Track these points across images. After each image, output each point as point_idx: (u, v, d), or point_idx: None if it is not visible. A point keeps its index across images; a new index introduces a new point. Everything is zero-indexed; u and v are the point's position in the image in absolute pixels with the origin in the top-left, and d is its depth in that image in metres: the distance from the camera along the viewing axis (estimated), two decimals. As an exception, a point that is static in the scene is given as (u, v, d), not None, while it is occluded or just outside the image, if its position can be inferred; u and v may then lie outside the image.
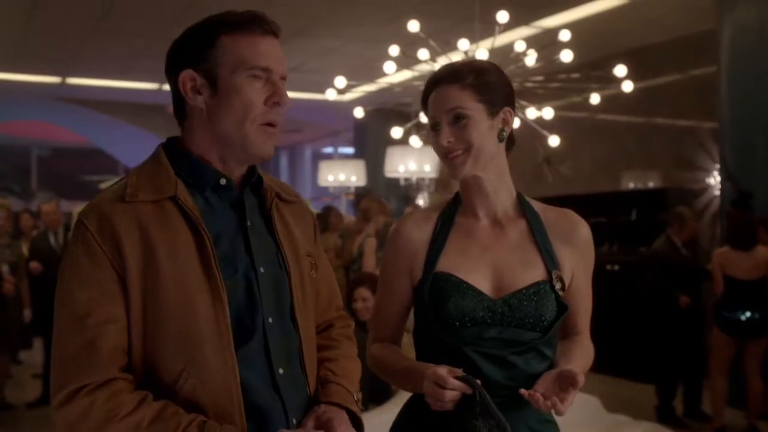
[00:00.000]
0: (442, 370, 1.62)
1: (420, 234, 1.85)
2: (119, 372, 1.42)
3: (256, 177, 1.60)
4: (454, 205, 1.89)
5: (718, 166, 7.55)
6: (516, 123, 2.02)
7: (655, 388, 6.42)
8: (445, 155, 1.79)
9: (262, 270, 1.53)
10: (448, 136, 1.76)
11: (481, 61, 1.87)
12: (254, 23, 1.51)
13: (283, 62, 1.55)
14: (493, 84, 1.78)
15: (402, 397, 3.27)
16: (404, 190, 10.83)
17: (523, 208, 1.87)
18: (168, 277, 1.43)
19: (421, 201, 10.96)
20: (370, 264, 6.36)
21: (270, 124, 1.52)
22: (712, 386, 5.83)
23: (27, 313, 6.88)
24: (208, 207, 1.53)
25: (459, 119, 1.75)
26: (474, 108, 1.75)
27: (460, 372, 1.63)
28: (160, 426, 1.37)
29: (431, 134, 1.82)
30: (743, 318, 5.57)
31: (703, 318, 6.26)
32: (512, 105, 1.83)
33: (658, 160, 8.80)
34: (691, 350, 6.23)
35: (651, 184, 8.86)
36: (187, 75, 1.52)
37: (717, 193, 7.78)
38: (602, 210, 8.13)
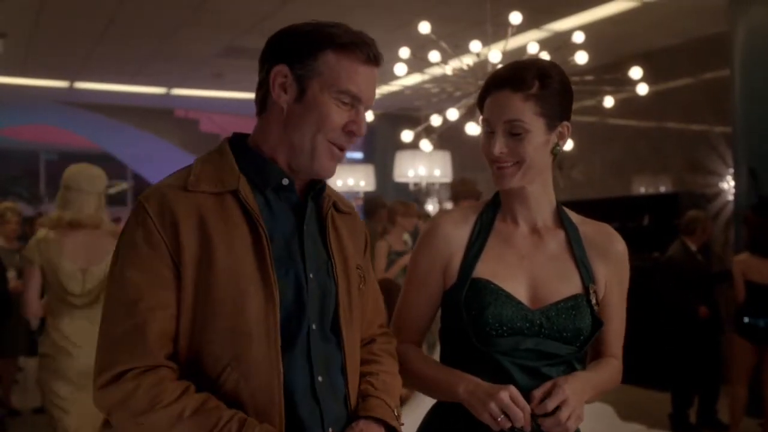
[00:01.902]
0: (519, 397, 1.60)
1: (457, 234, 1.80)
2: (165, 359, 1.43)
3: (322, 184, 1.60)
4: (493, 208, 1.84)
5: (731, 170, 7.47)
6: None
7: (670, 395, 6.34)
8: (492, 163, 1.74)
9: (311, 276, 1.53)
10: (502, 147, 1.71)
11: (545, 64, 1.76)
12: (362, 48, 1.52)
13: (373, 93, 1.56)
14: (556, 95, 1.71)
15: (412, 405, 3.21)
16: (413, 195, 10.76)
17: (561, 219, 1.83)
18: (222, 270, 1.43)
19: (430, 206, 10.89)
20: (380, 268, 6.24)
21: (339, 147, 1.53)
22: (732, 394, 5.75)
23: (35, 320, 6.84)
24: (267, 206, 1.53)
25: (516, 131, 1.69)
26: (533, 122, 1.69)
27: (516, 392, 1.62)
28: (201, 418, 1.36)
29: (481, 136, 1.76)
30: (763, 324, 5.49)
31: (719, 325, 6.17)
32: (569, 117, 1.78)
33: (671, 164, 8.73)
34: (708, 358, 6.14)
35: (663, 189, 8.79)
36: (281, 70, 1.52)
37: (730, 197, 7.69)
38: (614, 215, 8.03)
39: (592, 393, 1.71)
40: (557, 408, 1.59)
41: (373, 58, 1.53)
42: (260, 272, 1.45)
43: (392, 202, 6.90)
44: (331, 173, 1.56)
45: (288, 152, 1.54)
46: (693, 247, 6.19)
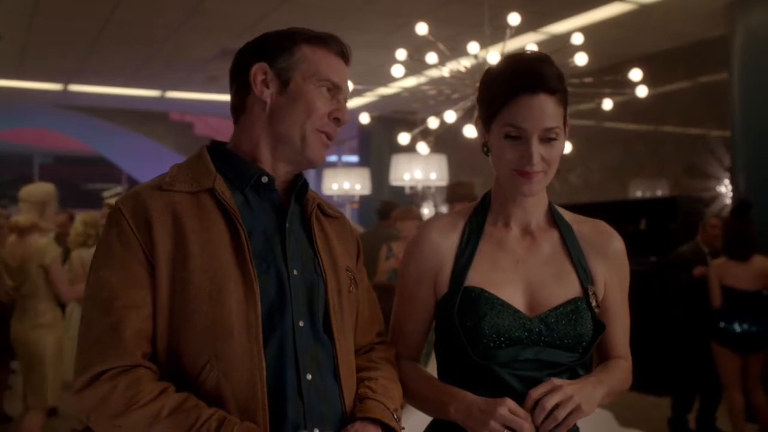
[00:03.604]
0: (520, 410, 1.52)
1: (446, 242, 1.71)
2: (143, 359, 1.40)
3: (302, 181, 1.62)
4: (483, 212, 1.75)
5: (729, 174, 7.44)
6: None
7: (670, 400, 6.30)
8: (522, 173, 1.60)
9: (295, 273, 1.51)
10: (538, 156, 1.58)
11: (546, 59, 1.64)
12: (333, 41, 1.59)
13: (348, 87, 1.62)
14: (566, 90, 1.62)
15: (406, 414, 3.17)
16: (410, 199, 10.71)
17: (554, 219, 1.74)
18: (198, 266, 1.42)
19: (426, 210, 10.85)
20: (379, 270, 6.11)
21: (326, 135, 1.57)
22: (729, 402, 5.70)
23: None
24: (246, 204, 1.53)
25: (551, 137, 1.59)
26: (561, 126, 1.60)
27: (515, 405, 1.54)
28: (179, 417, 1.34)
29: (501, 141, 1.61)
30: (738, 329, 5.43)
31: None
32: None
33: (668, 168, 8.70)
34: (709, 363, 6.10)
35: (660, 193, 8.76)
36: (260, 67, 1.55)
37: (728, 201, 7.67)
38: (611, 219, 7.84)
39: (604, 391, 1.61)
40: (556, 406, 1.51)
41: (343, 53, 1.60)
42: (239, 268, 1.43)
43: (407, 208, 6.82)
44: (322, 161, 1.59)
45: (274, 145, 1.56)
46: (705, 249, 6.16)
